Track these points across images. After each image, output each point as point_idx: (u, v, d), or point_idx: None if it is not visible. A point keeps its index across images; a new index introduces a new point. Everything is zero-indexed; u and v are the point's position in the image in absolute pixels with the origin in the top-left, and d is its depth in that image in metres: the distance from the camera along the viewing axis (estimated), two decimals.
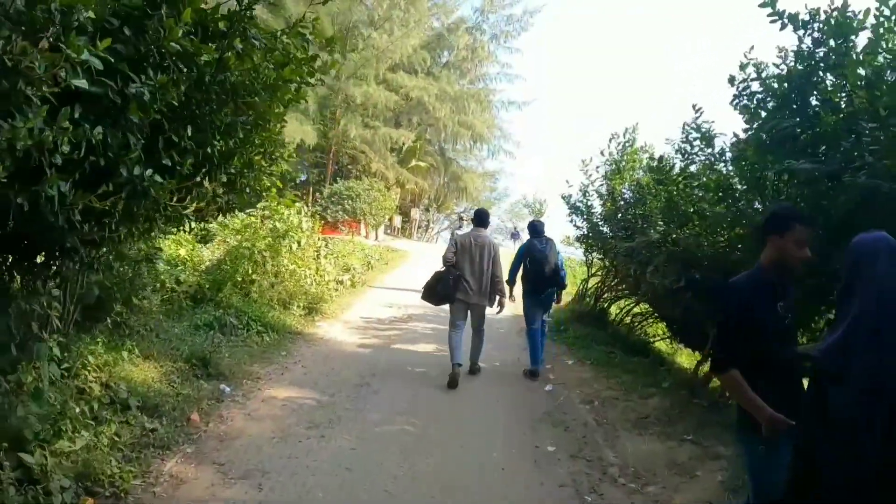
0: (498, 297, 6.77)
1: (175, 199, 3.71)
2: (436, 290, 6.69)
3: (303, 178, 27.51)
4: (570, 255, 28.04)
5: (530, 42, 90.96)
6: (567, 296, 13.74)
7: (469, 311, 6.77)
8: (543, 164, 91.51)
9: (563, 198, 9.85)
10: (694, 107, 5.44)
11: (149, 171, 3.18)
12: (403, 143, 26.24)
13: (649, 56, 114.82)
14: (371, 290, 13.21)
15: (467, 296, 6.59)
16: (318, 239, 13.82)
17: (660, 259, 7.33)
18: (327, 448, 4.48)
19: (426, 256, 20.87)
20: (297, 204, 12.53)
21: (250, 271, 8.71)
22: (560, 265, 7.28)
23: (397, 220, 34.51)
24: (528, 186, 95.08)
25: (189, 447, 4.39)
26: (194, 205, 3.80)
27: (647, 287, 7.83)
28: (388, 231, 33.05)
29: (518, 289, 7.49)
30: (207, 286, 8.67)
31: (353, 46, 23.94)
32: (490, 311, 6.97)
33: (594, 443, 5.12)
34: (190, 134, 3.46)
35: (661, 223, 7.26)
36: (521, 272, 7.24)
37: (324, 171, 25.28)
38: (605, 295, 9.99)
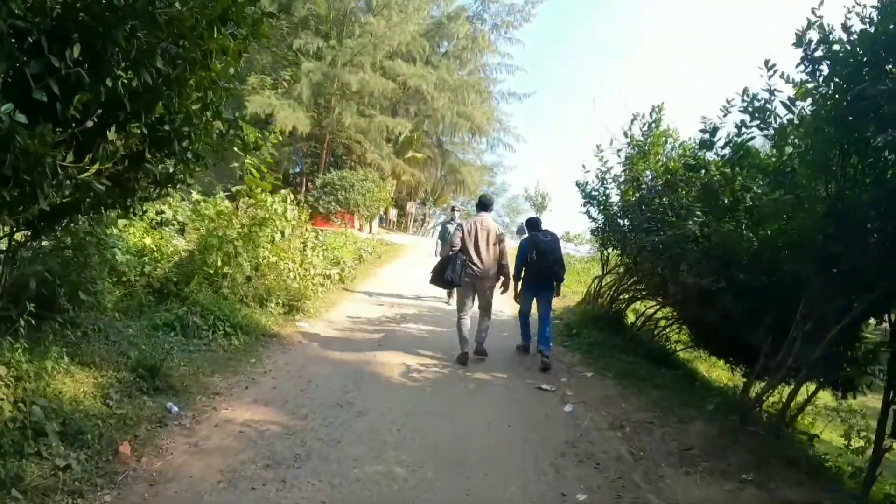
0: (502, 279, 6.97)
1: (68, 156, 2.56)
2: (443, 275, 6.76)
3: (297, 168, 26.34)
4: (568, 252, 26.92)
5: (532, 33, 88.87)
6: (576, 295, 12.65)
7: (476, 293, 6.91)
8: (543, 157, 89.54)
9: (578, 185, 8.70)
10: (766, 63, 4.28)
11: (7, 107, 2.04)
12: (400, 133, 24.98)
13: (650, 51, 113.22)
14: (362, 285, 12.04)
15: (474, 278, 6.72)
16: (307, 230, 12.68)
17: (694, 256, 6.26)
18: (288, 499, 3.34)
19: (420, 251, 19.74)
20: (282, 191, 11.39)
21: (220, 263, 7.55)
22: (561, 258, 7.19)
23: (393, 214, 33.36)
24: (528, 180, 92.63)
25: (108, 493, 3.28)
26: (96, 166, 2.65)
27: (677, 288, 6.74)
28: (384, 224, 31.91)
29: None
30: (175, 280, 7.55)
31: (350, 32, 22.72)
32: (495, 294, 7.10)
33: (634, 486, 3.99)
34: (77, 56, 2.31)
35: (700, 213, 6.16)
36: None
37: (317, 162, 24.04)
38: (623, 296, 8.85)
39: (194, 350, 6.01)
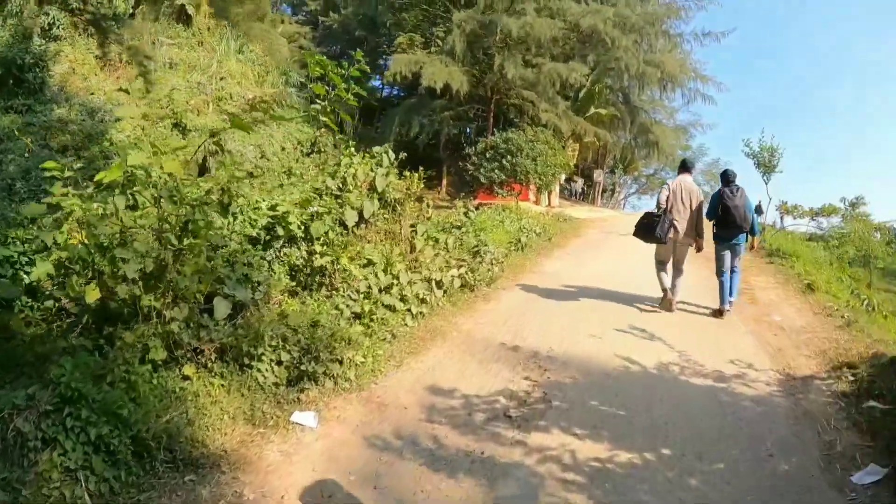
0: (697, 240, 6.58)
1: None
2: (647, 231, 6.41)
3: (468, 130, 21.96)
4: (783, 227, 19.05)
5: None
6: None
7: (674, 250, 6.56)
8: (750, 109, 70.01)
9: None
10: None
11: None
12: (581, 87, 19.22)
13: None
14: (504, 294, 6.91)
15: (676, 235, 6.43)
16: (428, 206, 8.03)
17: None
18: None
19: (610, 229, 14.06)
20: (377, 148, 6.87)
21: (91, 292, 3.18)
22: (751, 213, 6.49)
23: (579, 184, 27.60)
24: (735, 137, 73.29)
25: None
26: None
27: None
28: (569, 195, 26.40)
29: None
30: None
31: None
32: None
33: None
34: None
35: None
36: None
37: (485, 126, 19.37)
38: None
39: None
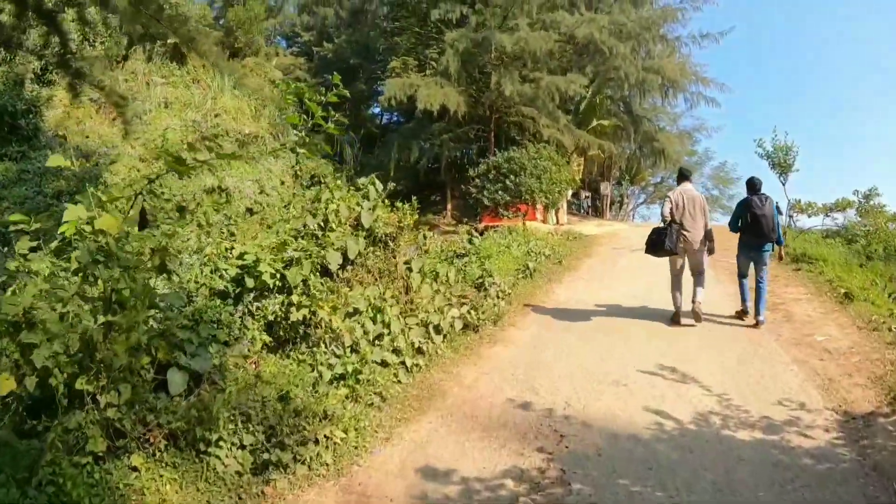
0: (709, 244, 6.59)
1: None
2: (658, 245, 6.45)
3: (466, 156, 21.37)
4: (799, 227, 18.31)
5: None
6: None
7: (687, 258, 6.57)
8: (758, 108, 67.15)
9: None
10: None
11: None
12: (581, 98, 18.63)
13: None
14: (513, 331, 6.23)
15: (686, 244, 6.42)
16: (424, 236, 7.41)
17: None
18: None
19: (623, 242, 13.36)
20: (362, 179, 6.30)
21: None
22: (777, 222, 6.42)
23: (589, 198, 26.89)
24: (741, 142, 68.28)
25: None
26: None
27: None
28: (578, 210, 25.67)
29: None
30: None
31: None
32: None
33: None
34: None
35: None
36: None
37: (486, 147, 18.81)
38: None
39: None
